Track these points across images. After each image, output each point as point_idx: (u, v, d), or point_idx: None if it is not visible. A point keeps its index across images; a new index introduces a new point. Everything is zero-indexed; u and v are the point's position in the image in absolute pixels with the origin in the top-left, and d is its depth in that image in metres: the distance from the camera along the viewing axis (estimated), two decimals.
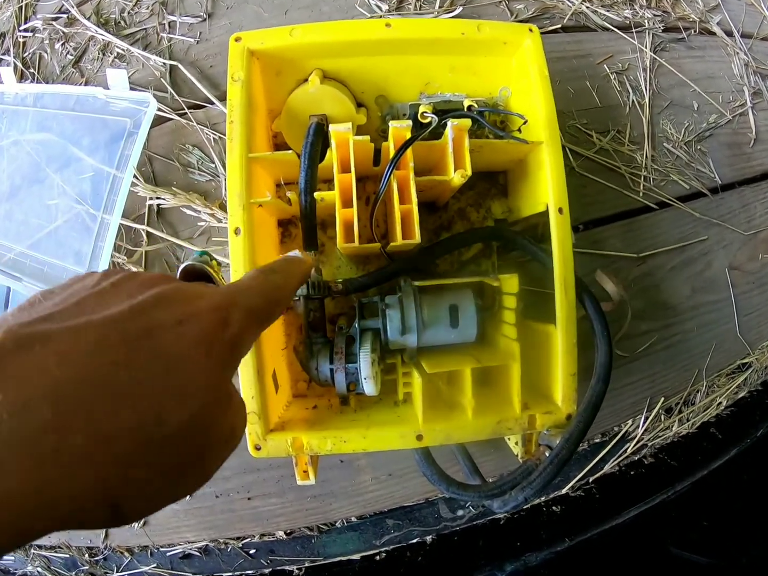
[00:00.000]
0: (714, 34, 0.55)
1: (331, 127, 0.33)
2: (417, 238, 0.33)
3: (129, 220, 0.44)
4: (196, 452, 0.16)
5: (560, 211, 0.35)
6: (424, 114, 0.37)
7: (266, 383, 0.36)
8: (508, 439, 0.40)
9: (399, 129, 0.33)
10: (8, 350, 0.13)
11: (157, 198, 0.42)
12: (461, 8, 0.45)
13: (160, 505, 0.16)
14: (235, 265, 0.35)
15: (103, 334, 0.15)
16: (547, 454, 0.34)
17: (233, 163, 0.35)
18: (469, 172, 0.33)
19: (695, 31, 0.54)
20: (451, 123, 0.33)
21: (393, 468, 0.43)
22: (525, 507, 0.46)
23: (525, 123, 0.36)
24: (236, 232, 0.35)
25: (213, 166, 0.43)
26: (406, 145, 0.33)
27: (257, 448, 0.35)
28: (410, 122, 0.33)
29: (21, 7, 0.59)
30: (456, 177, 0.33)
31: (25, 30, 0.57)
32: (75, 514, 0.13)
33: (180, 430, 0.15)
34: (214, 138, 0.43)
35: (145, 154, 0.44)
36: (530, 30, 0.38)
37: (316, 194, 0.35)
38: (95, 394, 0.14)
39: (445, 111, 0.39)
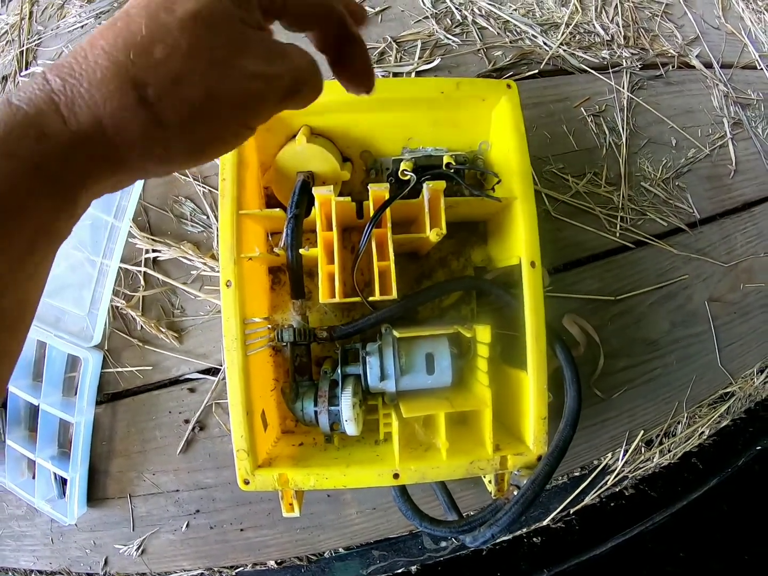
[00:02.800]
0: (693, 67, 0.60)
1: (315, 190, 0.38)
2: (394, 294, 0.38)
3: (128, 265, 0.50)
4: (207, 41, 0.19)
5: (532, 264, 0.40)
6: (404, 172, 0.42)
7: (255, 423, 0.41)
8: (483, 476, 0.45)
9: (377, 191, 0.38)
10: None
11: (153, 251, 0.47)
12: (440, 59, 0.50)
13: (188, 96, 0.18)
14: (227, 314, 0.40)
15: None
16: (516, 494, 0.39)
17: (225, 219, 0.40)
18: (444, 231, 0.38)
19: (674, 66, 0.59)
20: (426, 185, 0.38)
21: (377, 502, 0.48)
22: (507, 538, 0.51)
23: (498, 182, 0.40)
24: (227, 284, 0.40)
25: (205, 217, 0.49)
26: (384, 206, 0.38)
27: (246, 483, 0.40)
28: (388, 185, 0.38)
29: (22, 51, 0.65)
30: (432, 235, 0.38)
31: (27, 75, 0.63)
32: (108, 105, 0.17)
33: (185, 19, 0.18)
34: (204, 191, 0.49)
35: (141, 204, 0.49)
36: (508, 86, 0.43)
37: (301, 250, 0.40)
38: (114, 19, 0.18)
39: (426, 167, 0.43)
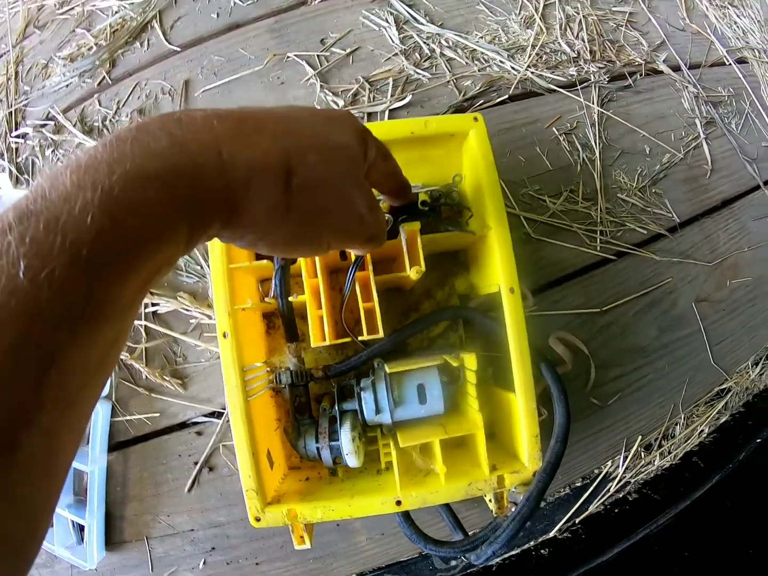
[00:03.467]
0: (661, 72, 0.63)
1: None
2: (380, 333, 0.41)
3: None
4: (351, 173, 0.25)
5: (511, 290, 0.43)
6: None
7: (261, 463, 0.44)
8: (485, 495, 0.48)
9: None
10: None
11: (153, 304, 0.51)
12: (411, 96, 0.54)
13: (316, 201, 0.23)
14: (226, 364, 0.43)
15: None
16: (513, 511, 0.42)
17: (216, 274, 0.43)
18: (423, 269, 0.41)
19: (642, 74, 0.61)
20: (402, 227, 0.41)
21: (385, 527, 0.51)
22: (515, 552, 0.53)
23: (471, 217, 0.43)
24: (224, 335, 0.43)
25: (199, 268, 0.52)
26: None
27: (257, 520, 0.43)
28: None
29: (11, 112, 0.69)
30: (412, 273, 0.41)
31: (17, 136, 0.67)
32: (259, 170, 0.20)
33: (342, 145, 0.24)
34: None
35: None
36: (474, 119, 0.46)
37: (290, 298, 0.43)
38: (286, 110, 0.24)
39: (403, 206, 0.46)
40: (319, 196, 0.23)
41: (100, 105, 0.61)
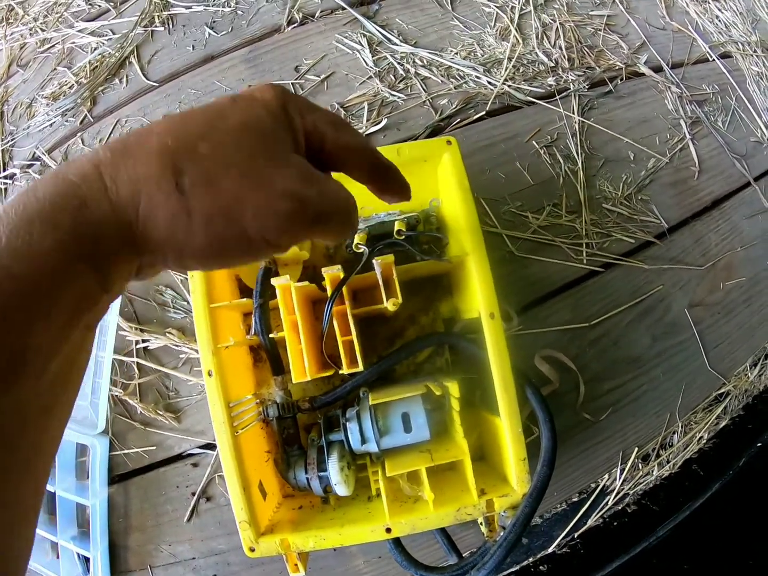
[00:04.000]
0: (643, 74, 0.62)
1: (273, 281, 0.43)
2: (360, 366, 0.42)
3: (121, 356, 0.55)
4: (264, 148, 0.21)
5: (491, 316, 0.43)
6: (358, 245, 0.46)
7: (253, 495, 0.46)
8: (476, 519, 0.49)
9: (331, 274, 0.42)
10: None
11: (143, 341, 0.53)
12: (386, 119, 0.54)
13: (219, 195, 0.20)
14: (212, 401, 0.44)
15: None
16: (503, 533, 0.43)
17: (198, 314, 0.44)
18: (400, 300, 0.42)
19: (623, 78, 0.61)
20: (376, 261, 0.42)
21: (382, 551, 0.52)
22: (515, 569, 0.54)
23: (446, 245, 0.44)
24: (209, 374, 0.44)
25: (185, 303, 0.54)
26: (338, 287, 0.42)
27: (252, 550, 0.44)
28: (340, 266, 0.42)
29: None
30: (389, 305, 0.42)
31: (5, 177, 0.69)
32: (143, 181, 0.19)
33: (241, 126, 0.21)
34: (181, 279, 0.53)
35: (126, 296, 0.55)
36: (448, 142, 0.47)
37: (271, 335, 0.44)
38: (174, 115, 0.22)
39: (380, 235, 0.47)
40: (222, 187, 0.20)
41: (83, 143, 0.63)
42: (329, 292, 0.43)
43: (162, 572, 0.57)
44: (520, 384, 0.45)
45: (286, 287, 0.43)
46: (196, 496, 0.55)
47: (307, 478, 0.46)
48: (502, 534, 0.42)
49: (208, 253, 0.21)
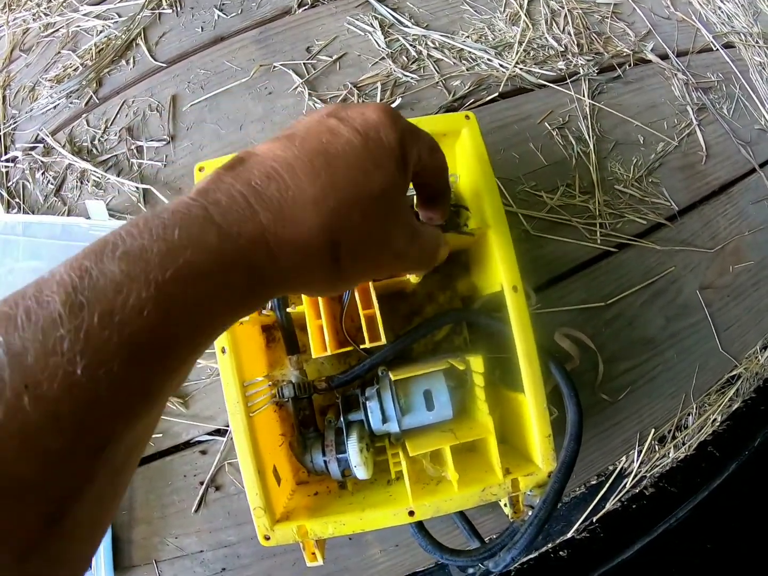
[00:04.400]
0: (649, 61, 0.62)
1: None
2: (383, 339, 0.39)
3: None
4: (392, 210, 0.23)
5: (514, 289, 0.41)
6: None
7: (267, 480, 0.43)
8: (499, 501, 0.46)
9: None
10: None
11: None
12: (400, 98, 0.53)
13: (362, 259, 0.22)
14: (226, 380, 0.42)
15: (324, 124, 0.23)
16: (530, 514, 0.40)
17: None
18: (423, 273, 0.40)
19: (630, 65, 0.61)
20: None
21: (399, 538, 0.49)
22: (533, 556, 0.52)
23: (469, 218, 0.42)
24: (222, 351, 0.42)
25: None
26: None
27: (267, 538, 0.41)
28: None
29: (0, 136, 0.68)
30: (412, 277, 0.40)
31: (6, 160, 0.66)
32: (306, 249, 0.20)
33: (381, 191, 0.22)
34: None
35: None
36: (466, 117, 0.45)
37: (288, 309, 0.42)
38: (318, 163, 0.21)
39: None
40: (366, 252, 0.22)
41: (88, 125, 0.60)
42: None
43: (168, 567, 0.53)
44: (543, 360, 0.43)
45: None
46: (204, 485, 0.51)
47: (325, 461, 0.43)
48: (531, 512, 0.40)
49: (333, 292, 0.25)
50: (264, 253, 0.19)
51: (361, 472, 0.42)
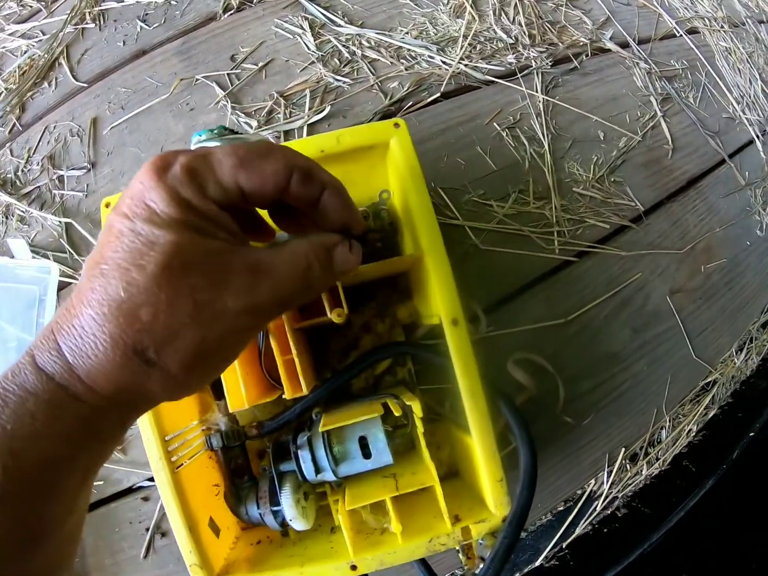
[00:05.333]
0: (609, 51, 0.54)
1: None
2: (304, 390, 0.33)
3: None
4: (195, 274, 0.18)
5: (454, 322, 0.35)
6: None
7: (202, 534, 0.37)
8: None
9: None
10: None
11: None
12: (330, 106, 0.45)
13: (187, 345, 0.18)
14: (146, 436, 0.36)
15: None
16: (481, 568, 0.34)
17: None
18: (346, 311, 0.33)
19: (588, 55, 0.53)
20: None
21: None
22: None
23: (400, 241, 0.35)
24: None
25: None
26: None
27: None
28: None
29: None
30: (333, 317, 0.33)
31: None
32: (121, 374, 0.18)
33: (162, 269, 0.18)
34: None
35: None
36: (396, 125, 0.38)
37: None
38: (94, 279, 0.19)
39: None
40: (183, 341, 0.18)
41: (12, 155, 0.53)
42: None
43: None
44: (492, 396, 0.36)
45: None
46: (150, 531, 0.46)
47: (260, 514, 0.37)
48: (480, 568, 0.34)
49: (203, 381, 0.21)
50: (81, 387, 0.18)
51: (298, 524, 0.36)
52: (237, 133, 0.25)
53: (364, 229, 0.26)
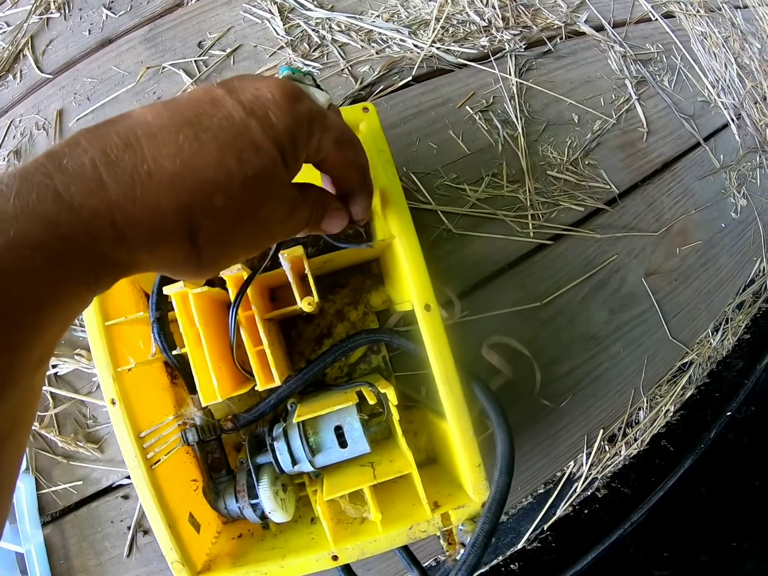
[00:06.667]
0: (583, 34, 0.53)
1: (165, 290, 0.32)
2: (276, 381, 0.32)
3: None
4: (256, 201, 0.19)
5: (427, 308, 0.34)
6: None
7: (182, 531, 0.36)
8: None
9: (232, 275, 0.32)
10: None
11: (52, 367, 0.42)
12: None
13: (228, 243, 0.20)
14: (120, 434, 0.34)
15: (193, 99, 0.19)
16: (462, 554, 0.34)
17: (93, 335, 0.34)
18: (316, 299, 0.32)
19: (562, 38, 0.51)
20: (282, 255, 0.32)
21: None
22: (484, 570, 0.46)
23: (372, 226, 0.34)
24: (113, 402, 0.34)
25: None
26: (243, 288, 0.32)
27: None
28: (240, 266, 0.32)
29: None
30: (304, 305, 0.32)
31: None
32: (159, 231, 0.17)
33: (253, 176, 0.18)
34: None
35: None
36: (364, 109, 0.36)
37: (175, 352, 0.34)
38: (185, 135, 0.18)
39: None
40: (230, 241, 0.20)
41: None
42: (232, 296, 0.32)
43: None
44: (468, 381, 0.35)
45: (183, 295, 0.32)
46: (131, 530, 0.45)
47: (239, 507, 0.36)
48: (461, 553, 0.33)
49: (210, 274, 0.21)
50: (109, 230, 0.16)
51: (277, 516, 0.35)
52: (320, 87, 0.25)
53: (365, 221, 0.27)
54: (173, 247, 0.18)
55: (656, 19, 0.57)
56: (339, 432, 0.35)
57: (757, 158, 0.59)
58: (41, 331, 0.16)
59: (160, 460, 0.36)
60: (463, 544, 0.35)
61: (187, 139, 0.17)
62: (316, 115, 0.21)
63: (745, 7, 0.65)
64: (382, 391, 0.34)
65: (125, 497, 0.45)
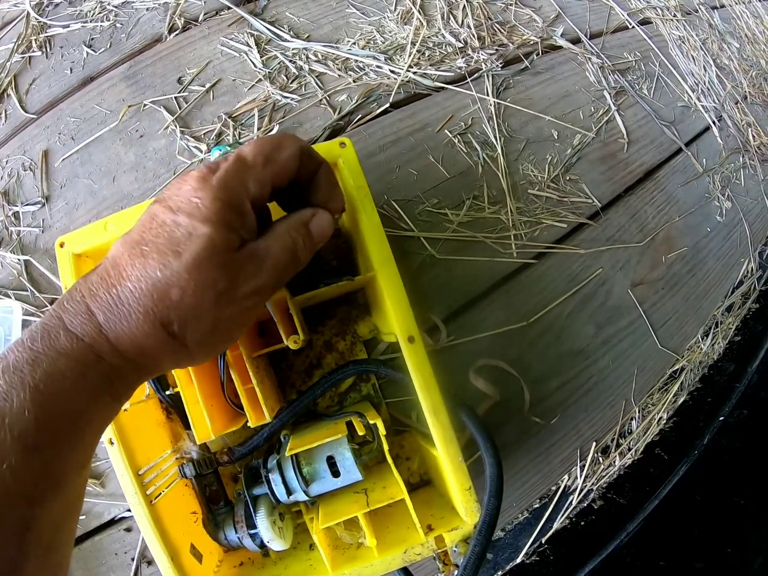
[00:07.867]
0: (560, 47, 0.54)
1: None
2: (267, 417, 0.34)
3: None
4: (211, 277, 0.21)
5: (410, 340, 0.36)
6: None
7: (184, 562, 0.38)
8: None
9: None
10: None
11: None
12: (278, 125, 0.45)
13: (204, 323, 0.22)
14: (119, 472, 0.36)
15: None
16: (456, 574, 0.35)
17: None
18: (302, 336, 0.34)
19: (539, 53, 0.53)
20: None
21: None
22: None
23: (355, 259, 0.36)
24: (111, 443, 0.36)
25: None
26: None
27: None
28: None
29: None
30: (290, 344, 0.34)
31: None
32: (140, 336, 0.21)
33: (194, 261, 0.21)
34: None
35: None
36: (341, 144, 0.38)
37: (168, 392, 0.36)
38: (133, 255, 0.22)
39: None
40: (202, 318, 0.22)
41: None
42: None
43: None
44: (454, 408, 0.37)
45: None
46: (135, 561, 0.47)
47: (239, 537, 0.38)
48: (456, 575, 0.35)
49: (208, 356, 0.25)
50: (106, 347, 0.21)
51: (276, 545, 0.37)
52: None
53: (343, 204, 0.29)
54: (158, 344, 0.22)
55: (633, 27, 0.58)
56: (331, 461, 0.37)
57: (740, 159, 0.61)
58: (82, 435, 0.21)
59: (160, 494, 0.38)
60: (457, 566, 0.37)
61: (136, 257, 0.21)
62: (235, 166, 0.23)
63: (722, 6, 0.67)
64: (372, 422, 0.36)
65: (128, 530, 0.47)
